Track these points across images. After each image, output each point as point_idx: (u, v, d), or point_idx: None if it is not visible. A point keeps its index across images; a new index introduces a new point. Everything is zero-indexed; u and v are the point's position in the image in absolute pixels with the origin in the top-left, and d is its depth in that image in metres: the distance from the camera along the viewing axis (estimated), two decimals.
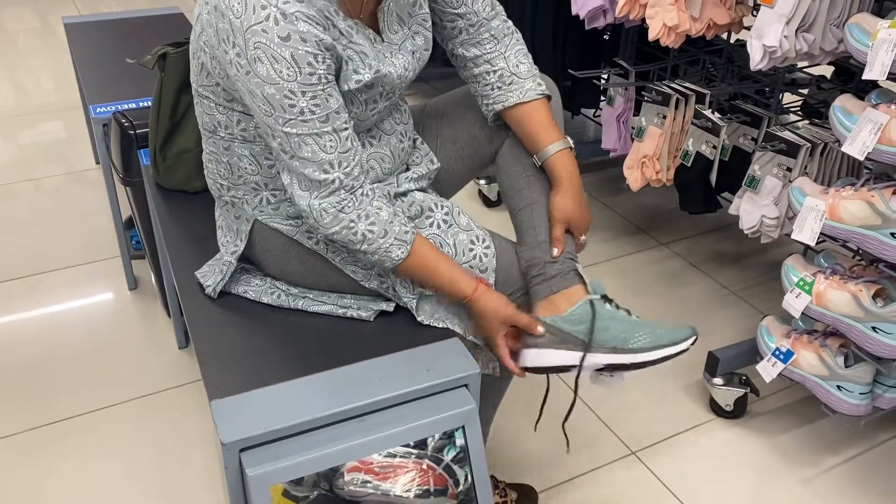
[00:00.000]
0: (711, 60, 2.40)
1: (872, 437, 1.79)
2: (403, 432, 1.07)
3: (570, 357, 1.20)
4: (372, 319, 1.25)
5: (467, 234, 1.26)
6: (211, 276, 1.31)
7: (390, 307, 1.26)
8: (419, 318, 1.23)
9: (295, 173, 1.12)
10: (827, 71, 2.58)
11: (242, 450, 1.02)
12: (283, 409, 1.05)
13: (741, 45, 2.29)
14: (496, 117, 1.34)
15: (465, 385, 1.14)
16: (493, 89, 1.32)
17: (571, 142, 1.32)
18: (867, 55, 1.31)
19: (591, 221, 1.34)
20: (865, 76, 1.30)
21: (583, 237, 1.33)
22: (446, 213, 1.27)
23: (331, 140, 1.09)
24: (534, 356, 1.22)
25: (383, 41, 1.19)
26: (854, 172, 1.73)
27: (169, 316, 2.08)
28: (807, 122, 1.75)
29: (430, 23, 1.26)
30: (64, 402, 1.86)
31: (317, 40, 1.05)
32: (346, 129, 1.11)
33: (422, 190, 1.32)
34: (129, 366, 1.98)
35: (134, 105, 1.93)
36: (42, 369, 1.96)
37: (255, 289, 1.30)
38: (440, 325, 1.23)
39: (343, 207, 1.12)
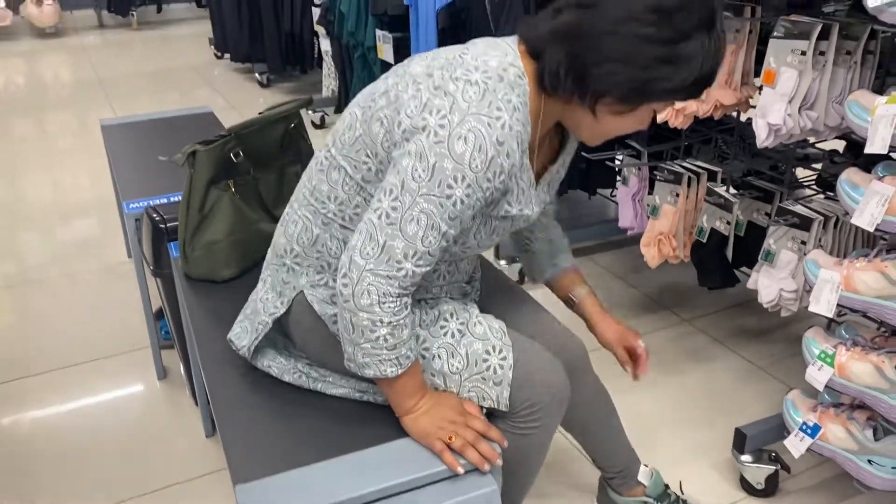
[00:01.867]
0: (723, 139, 2.46)
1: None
2: None
3: None
4: (388, 403, 1.26)
5: (482, 344, 1.25)
6: (245, 336, 1.34)
7: None
8: None
9: (372, 239, 1.09)
10: (840, 145, 2.62)
11: None
12: (306, 493, 1.07)
13: (751, 122, 2.36)
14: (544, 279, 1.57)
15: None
16: (542, 256, 1.56)
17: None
18: (868, 130, 1.35)
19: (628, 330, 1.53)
20: (867, 150, 1.34)
21: (640, 343, 1.50)
22: (461, 323, 1.27)
23: (434, 238, 1.10)
24: None
25: (537, 187, 1.25)
26: (869, 243, 1.75)
27: (196, 405, 2.11)
28: (821, 195, 1.78)
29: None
30: (94, 494, 1.88)
31: (511, 164, 1.10)
32: (447, 243, 1.13)
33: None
34: (158, 455, 2.00)
35: (165, 200, 2.02)
36: (73, 461, 1.99)
37: (279, 366, 1.33)
38: None
39: (385, 302, 1.11)
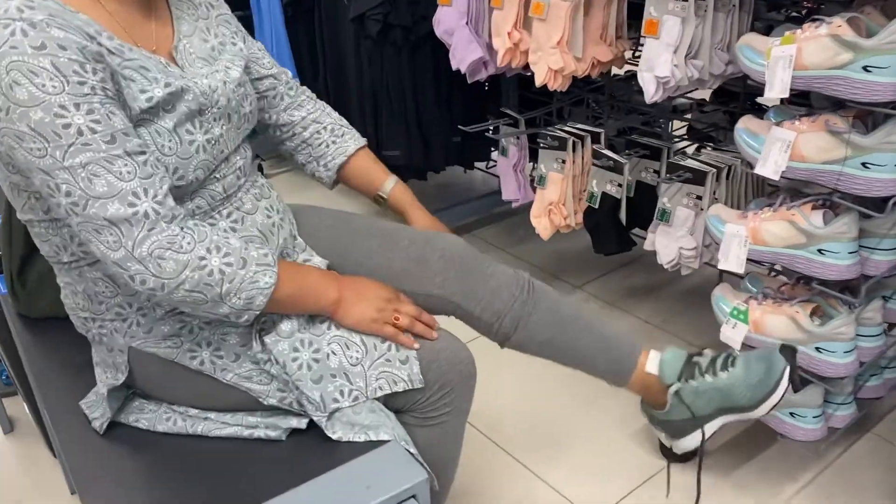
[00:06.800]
0: (594, 98, 2.40)
1: (825, 457, 1.74)
2: None
3: (693, 441, 1.43)
4: (284, 438, 1.09)
5: None
6: (98, 406, 1.12)
7: (302, 424, 1.10)
8: (335, 437, 1.06)
9: (100, 231, 0.93)
10: (705, 93, 2.63)
11: None
12: None
13: (620, 79, 2.30)
14: (336, 172, 1.36)
15: (414, 496, 0.99)
16: (328, 145, 1.34)
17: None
18: (765, 74, 1.28)
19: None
20: (767, 95, 1.27)
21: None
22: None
23: (126, 165, 0.92)
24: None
25: (177, 66, 1.05)
26: (762, 191, 1.72)
27: (55, 457, 1.82)
28: (709, 147, 1.73)
29: (243, 63, 1.15)
30: None
31: (79, 47, 0.90)
32: (143, 153, 0.95)
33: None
34: None
35: None
36: None
37: (149, 416, 1.13)
38: (361, 439, 1.06)
39: (181, 245, 0.95)
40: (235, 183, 1.11)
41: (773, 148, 1.31)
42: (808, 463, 1.72)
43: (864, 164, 1.22)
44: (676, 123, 2.37)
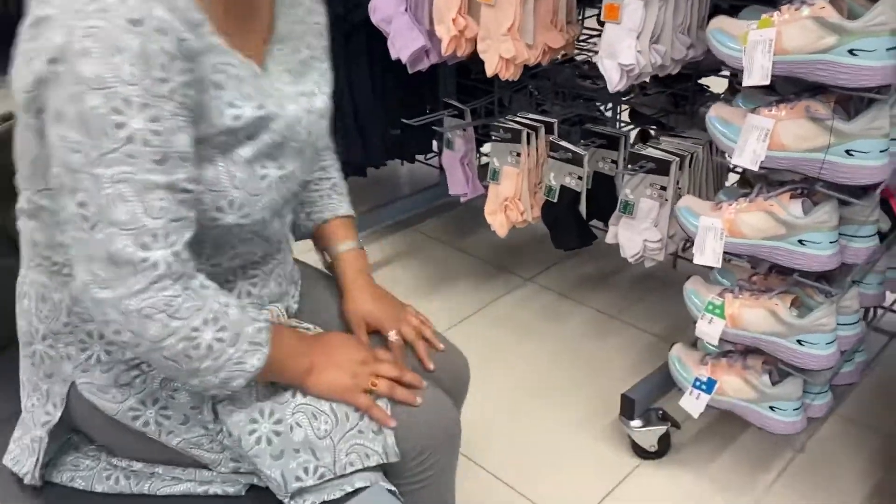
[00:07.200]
0: (536, 86, 2.31)
1: (794, 442, 1.72)
2: None
3: None
4: (243, 493, 0.97)
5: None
6: (24, 458, 0.96)
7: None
8: None
9: (94, 260, 0.77)
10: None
11: None
12: None
13: (560, 63, 2.22)
14: (314, 227, 1.16)
15: None
16: (321, 197, 1.16)
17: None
18: (741, 60, 1.22)
19: (403, 314, 1.13)
20: (746, 83, 1.21)
21: (392, 333, 1.09)
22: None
23: (162, 200, 0.77)
24: None
25: (268, 75, 0.90)
26: (723, 178, 1.67)
27: None
28: (667, 135, 1.67)
29: (329, 90, 1.01)
30: None
31: (178, 37, 0.75)
32: (188, 191, 0.80)
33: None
34: None
35: None
36: None
37: (86, 474, 0.97)
38: (337, 495, 0.93)
39: (177, 309, 0.80)
40: (282, 233, 0.97)
41: (750, 137, 1.25)
42: (781, 450, 1.70)
43: (847, 152, 1.18)
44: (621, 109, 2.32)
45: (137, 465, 0.98)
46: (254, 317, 0.89)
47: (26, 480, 0.95)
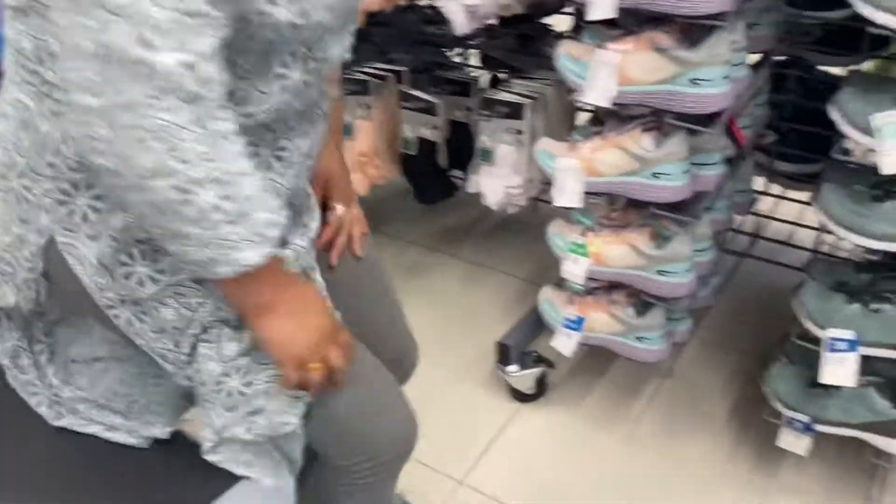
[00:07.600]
0: (380, 34, 2.23)
1: (661, 369, 1.79)
2: None
3: None
4: (146, 446, 0.98)
5: None
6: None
7: (165, 433, 0.98)
8: (214, 461, 0.88)
9: (81, 54, 0.61)
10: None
11: None
12: None
13: (403, 10, 2.15)
14: None
15: None
16: None
17: None
18: None
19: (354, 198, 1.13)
20: (591, 17, 1.19)
21: (339, 207, 1.07)
22: None
23: None
24: None
25: None
26: (574, 117, 1.68)
27: None
28: (518, 78, 1.65)
29: None
30: None
31: None
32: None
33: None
34: None
35: None
36: None
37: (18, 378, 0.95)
38: (241, 472, 0.89)
39: (177, 145, 0.63)
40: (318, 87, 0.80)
41: (599, 73, 1.25)
42: (645, 377, 1.76)
43: (693, 81, 1.19)
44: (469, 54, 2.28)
45: (67, 392, 0.95)
46: (272, 206, 0.72)
47: None
